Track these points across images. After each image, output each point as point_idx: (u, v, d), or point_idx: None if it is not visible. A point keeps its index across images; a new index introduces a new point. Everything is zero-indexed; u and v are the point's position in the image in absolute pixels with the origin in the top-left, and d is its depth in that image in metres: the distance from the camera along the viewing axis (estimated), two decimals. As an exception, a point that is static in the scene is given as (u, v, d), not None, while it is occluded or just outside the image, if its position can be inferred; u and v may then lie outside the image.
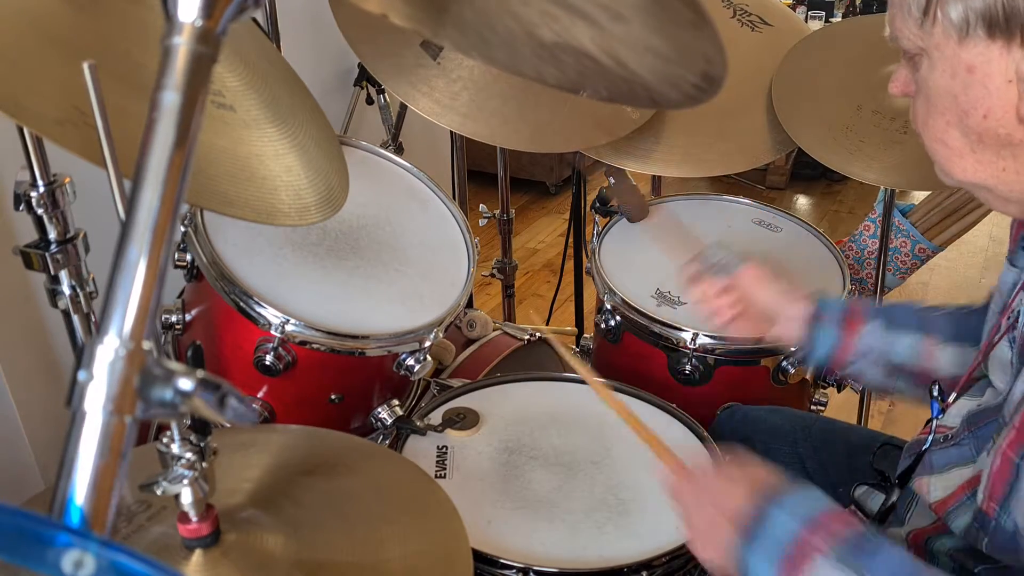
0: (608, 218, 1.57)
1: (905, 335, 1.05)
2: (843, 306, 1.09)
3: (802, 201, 3.96)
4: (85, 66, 0.74)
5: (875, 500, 1.02)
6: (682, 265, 1.18)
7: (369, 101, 2.13)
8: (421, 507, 0.85)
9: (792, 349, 1.33)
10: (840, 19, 4.23)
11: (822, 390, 1.48)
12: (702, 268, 1.16)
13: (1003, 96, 0.73)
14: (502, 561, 0.95)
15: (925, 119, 0.81)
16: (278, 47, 1.68)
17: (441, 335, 1.23)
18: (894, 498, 0.96)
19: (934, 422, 0.94)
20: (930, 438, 0.93)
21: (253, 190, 0.98)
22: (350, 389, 1.23)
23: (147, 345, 0.44)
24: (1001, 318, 0.89)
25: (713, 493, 0.82)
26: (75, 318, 1.09)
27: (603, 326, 1.43)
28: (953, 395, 0.94)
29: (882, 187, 1.69)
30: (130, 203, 0.45)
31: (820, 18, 4.17)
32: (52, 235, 1.04)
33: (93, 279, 1.09)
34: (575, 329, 2.18)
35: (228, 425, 0.89)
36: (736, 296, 1.14)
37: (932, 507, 0.89)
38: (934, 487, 0.89)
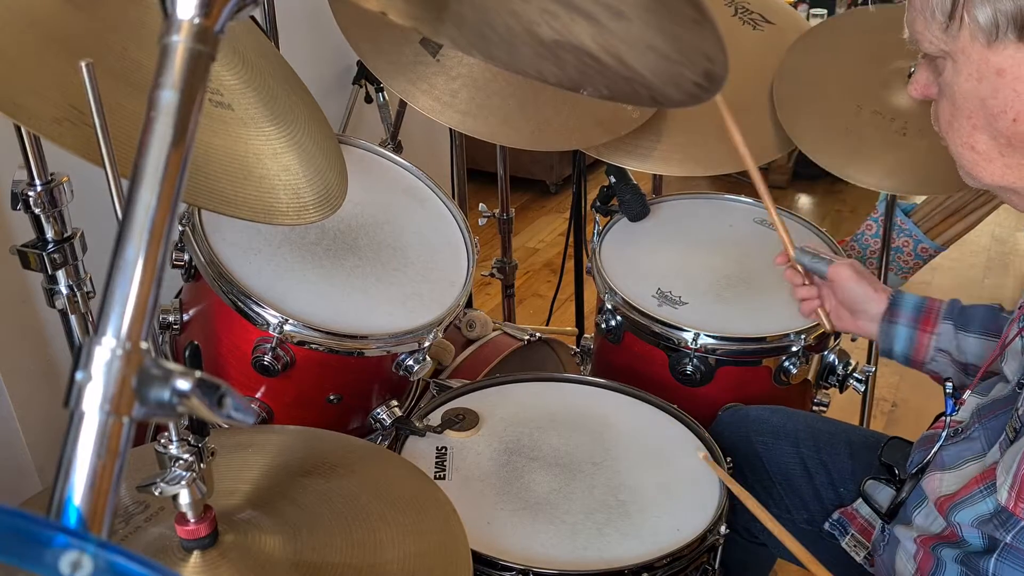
0: (609, 217, 1.57)
1: (973, 337, 1.06)
2: (917, 306, 1.10)
3: (804, 200, 3.95)
4: (82, 65, 0.74)
5: (884, 495, 1.02)
6: (776, 265, 1.23)
7: (368, 99, 2.13)
8: (420, 508, 0.85)
9: (793, 351, 1.32)
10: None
11: (824, 391, 1.48)
12: (798, 268, 1.20)
13: None
14: (502, 563, 0.95)
15: (950, 122, 0.79)
16: (276, 45, 1.67)
17: (440, 335, 1.23)
18: (904, 494, 0.96)
19: (947, 418, 0.94)
20: (943, 433, 0.93)
21: (251, 189, 0.98)
22: (349, 389, 1.22)
23: (145, 345, 0.44)
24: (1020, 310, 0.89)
25: None
26: (72, 318, 1.09)
27: (604, 326, 1.42)
28: (968, 393, 0.95)
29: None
30: (127, 202, 0.45)
31: (822, 16, 4.17)
32: (50, 234, 1.03)
33: (91, 279, 1.09)
34: (575, 329, 2.17)
35: (226, 426, 0.89)
36: (823, 291, 1.18)
37: (938, 501, 0.88)
38: (947, 483, 0.88)
